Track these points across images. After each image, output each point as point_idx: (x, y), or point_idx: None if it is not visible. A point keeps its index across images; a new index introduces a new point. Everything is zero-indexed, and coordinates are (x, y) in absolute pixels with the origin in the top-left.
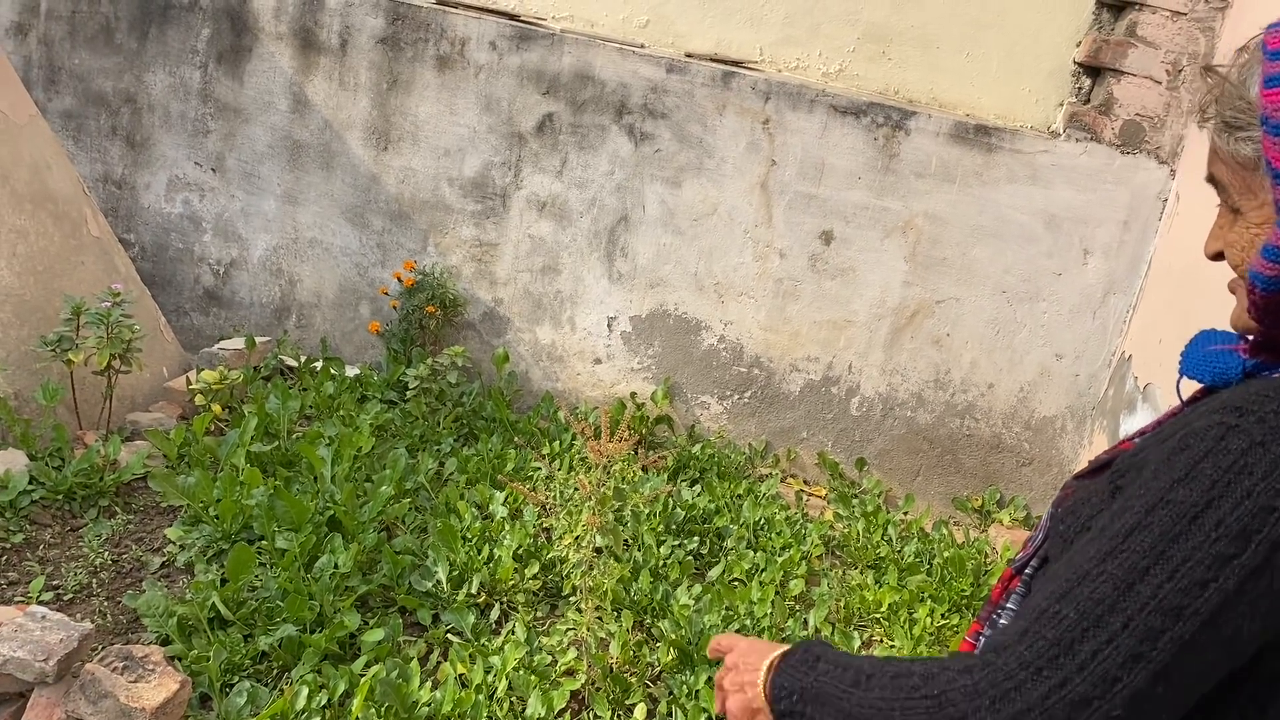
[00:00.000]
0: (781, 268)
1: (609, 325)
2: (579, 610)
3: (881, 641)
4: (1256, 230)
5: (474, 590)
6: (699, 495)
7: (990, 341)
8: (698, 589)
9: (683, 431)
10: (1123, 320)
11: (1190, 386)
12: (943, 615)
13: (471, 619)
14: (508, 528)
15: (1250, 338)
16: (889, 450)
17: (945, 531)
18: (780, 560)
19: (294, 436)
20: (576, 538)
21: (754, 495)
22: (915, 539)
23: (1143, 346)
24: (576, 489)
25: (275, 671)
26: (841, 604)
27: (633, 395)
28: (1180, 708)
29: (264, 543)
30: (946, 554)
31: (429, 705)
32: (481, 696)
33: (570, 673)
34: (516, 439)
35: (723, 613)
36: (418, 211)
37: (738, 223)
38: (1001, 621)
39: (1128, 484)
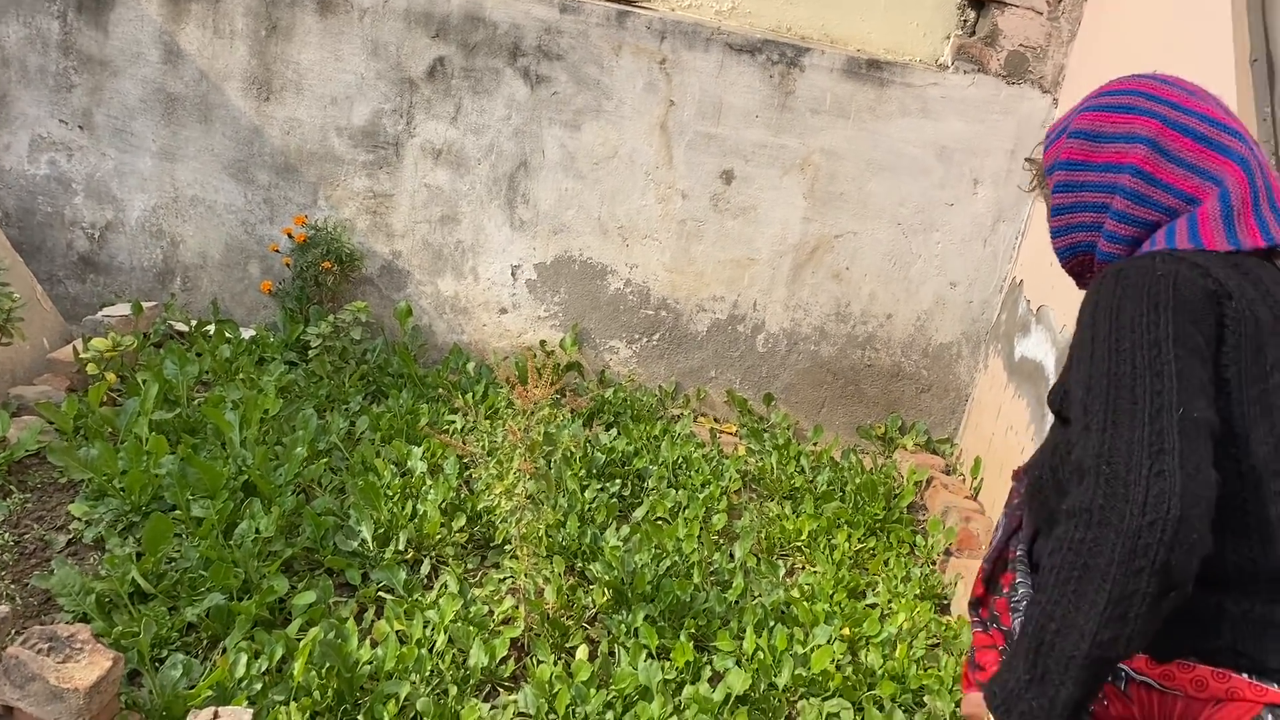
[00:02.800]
0: (684, 209)
1: (513, 274)
2: (515, 558)
3: (804, 568)
4: None
5: (401, 547)
6: (616, 439)
7: (888, 273)
8: (625, 530)
9: (593, 377)
10: (1012, 246)
11: None
12: (859, 539)
13: (402, 575)
14: (429, 482)
15: None
16: (794, 384)
17: (854, 459)
18: (701, 497)
19: (195, 403)
20: (508, 486)
21: (670, 436)
22: (826, 468)
23: (1033, 271)
24: (505, 436)
25: (205, 642)
26: (763, 535)
27: (542, 344)
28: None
29: (178, 512)
30: (858, 481)
31: (370, 663)
32: (424, 651)
33: (508, 621)
34: (427, 394)
35: (652, 551)
36: (306, 164)
37: (639, 165)
38: (1021, 604)
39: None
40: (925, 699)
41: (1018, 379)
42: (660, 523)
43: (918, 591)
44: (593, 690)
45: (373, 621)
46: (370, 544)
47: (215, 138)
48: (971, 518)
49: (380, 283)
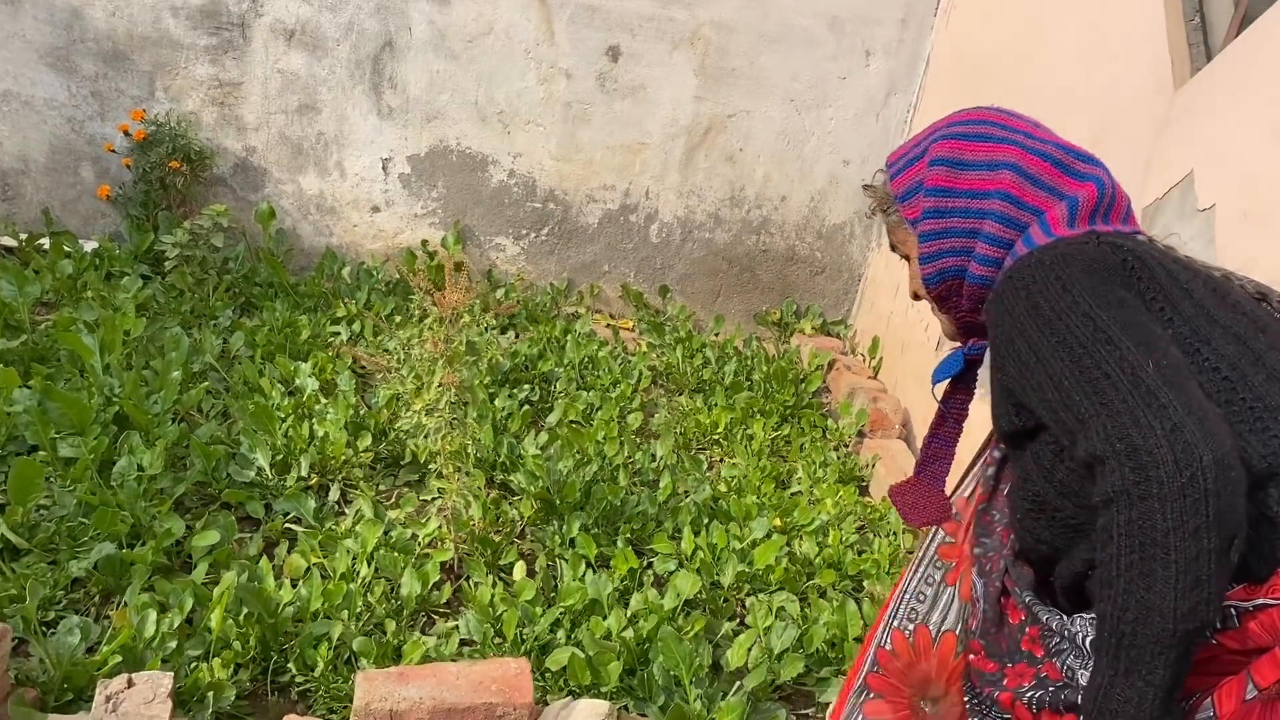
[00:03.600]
0: (569, 90)
1: (384, 168)
2: (440, 476)
3: (724, 461)
4: (917, 261)
5: (304, 473)
6: (517, 341)
7: (781, 153)
8: (543, 437)
9: (480, 277)
10: (904, 120)
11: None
12: (774, 428)
13: (311, 504)
14: (324, 400)
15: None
16: (690, 274)
17: (756, 347)
18: (613, 397)
19: (40, 327)
20: (429, 402)
21: (573, 336)
22: (732, 359)
23: None
24: (416, 347)
25: (97, 599)
26: (679, 430)
27: (423, 244)
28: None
29: (42, 454)
30: (766, 369)
31: (294, 604)
32: (350, 585)
33: (435, 544)
34: (303, 304)
35: (574, 458)
36: (138, 50)
37: (517, 42)
38: (1064, 640)
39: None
40: (864, 583)
41: None
42: (575, 426)
43: (837, 476)
44: (539, 609)
45: (284, 558)
46: (268, 472)
47: (25, 21)
48: (878, 398)
49: (235, 183)
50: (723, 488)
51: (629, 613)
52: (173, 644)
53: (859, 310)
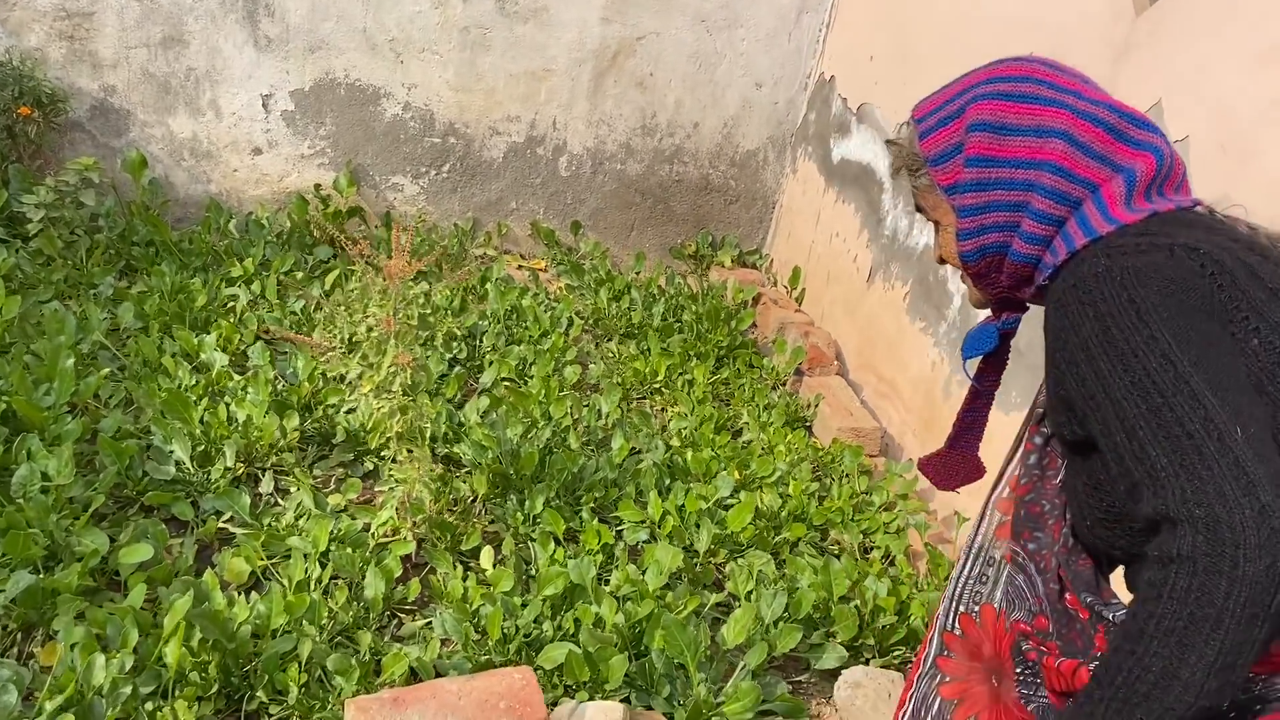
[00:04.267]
0: (466, 14)
1: (264, 105)
2: (395, 463)
3: (665, 410)
4: (950, 231)
5: (231, 463)
6: (431, 293)
7: (693, 77)
8: (484, 401)
9: (377, 221)
10: (817, 40)
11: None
12: (712, 371)
13: (245, 499)
14: (237, 377)
15: (990, 310)
16: (602, 209)
17: (681, 285)
18: (546, 350)
19: None
20: (381, 383)
21: (492, 284)
22: (660, 299)
23: (850, 66)
24: (356, 318)
25: (17, 636)
26: (618, 382)
27: (316, 187)
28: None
29: None
30: (697, 309)
31: (251, 622)
32: (314, 594)
33: (392, 535)
34: (190, 264)
35: (521, 423)
36: None
37: None
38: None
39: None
40: (830, 533)
41: (840, 182)
42: (511, 386)
43: (784, 419)
44: (517, 599)
45: (226, 565)
46: (189, 465)
47: None
48: (810, 332)
49: (94, 128)
50: (675, 441)
51: (614, 593)
52: (127, 689)
53: (774, 239)
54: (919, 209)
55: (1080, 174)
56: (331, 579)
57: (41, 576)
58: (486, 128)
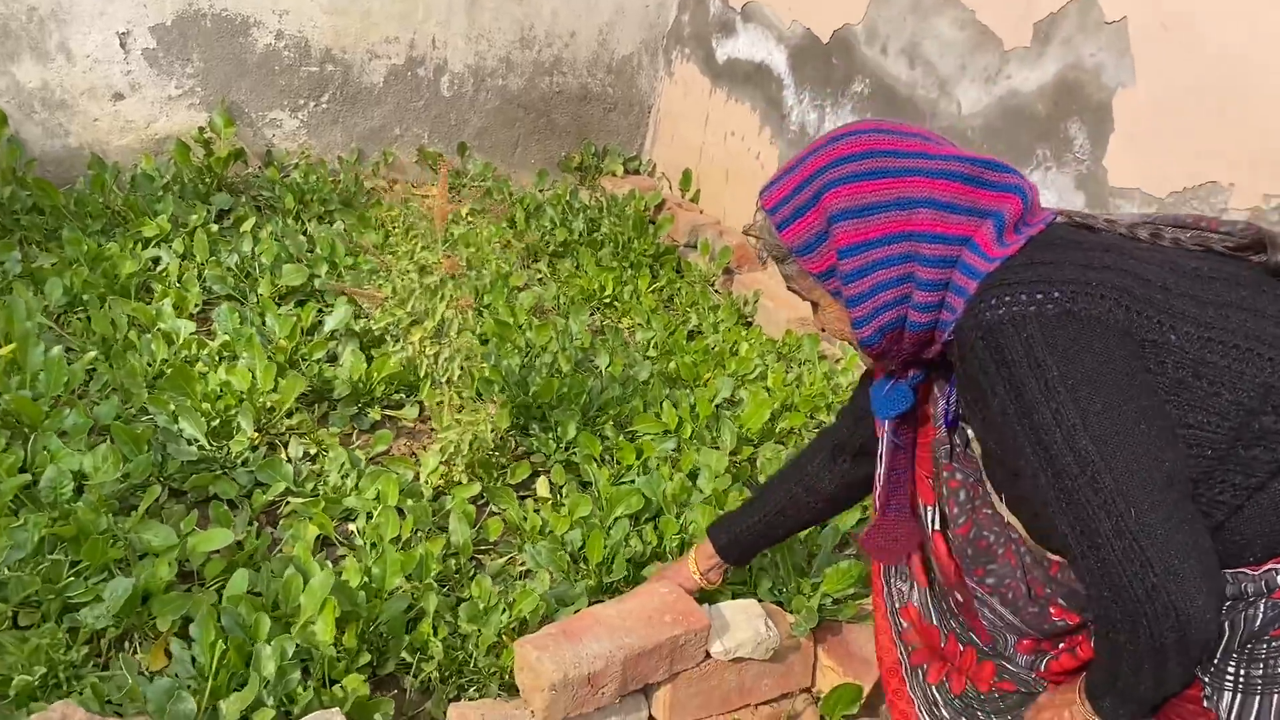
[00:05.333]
0: None
1: (122, 44)
2: (459, 409)
3: (620, 323)
4: (837, 310)
5: (251, 434)
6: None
7: None
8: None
9: (256, 162)
10: None
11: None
12: (651, 282)
13: (288, 468)
14: (210, 344)
15: (892, 369)
16: (487, 127)
17: (595, 199)
18: (493, 285)
19: None
20: (428, 332)
21: (407, 214)
22: (579, 214)
23: None
24: (402, 262)
25: (112, 642)
26: (569, 300)
27: (200, 130)
28: (1189, 489)
29: None
30: (614, 221)
31: (365, 587)
32: (421, 549)
33: (452, 484)
34: (88, 227)
35: (517, 353)
36: None
37: None
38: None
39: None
40: (817, 416)
41: (729, 83)
42: (482, 316)
43: (734, 318)
44: (597, 523)
45: (302, 537)
46: (205, 443)
47: None
48: (724, 232)
49: None
50: (653, 352)
51: (678, 501)
52: (294, 675)
53: (654, 144)
54: (793, 290)
55: (954, 233)
56: (413, 531)
57: (138, 581)
58: (365, 51)
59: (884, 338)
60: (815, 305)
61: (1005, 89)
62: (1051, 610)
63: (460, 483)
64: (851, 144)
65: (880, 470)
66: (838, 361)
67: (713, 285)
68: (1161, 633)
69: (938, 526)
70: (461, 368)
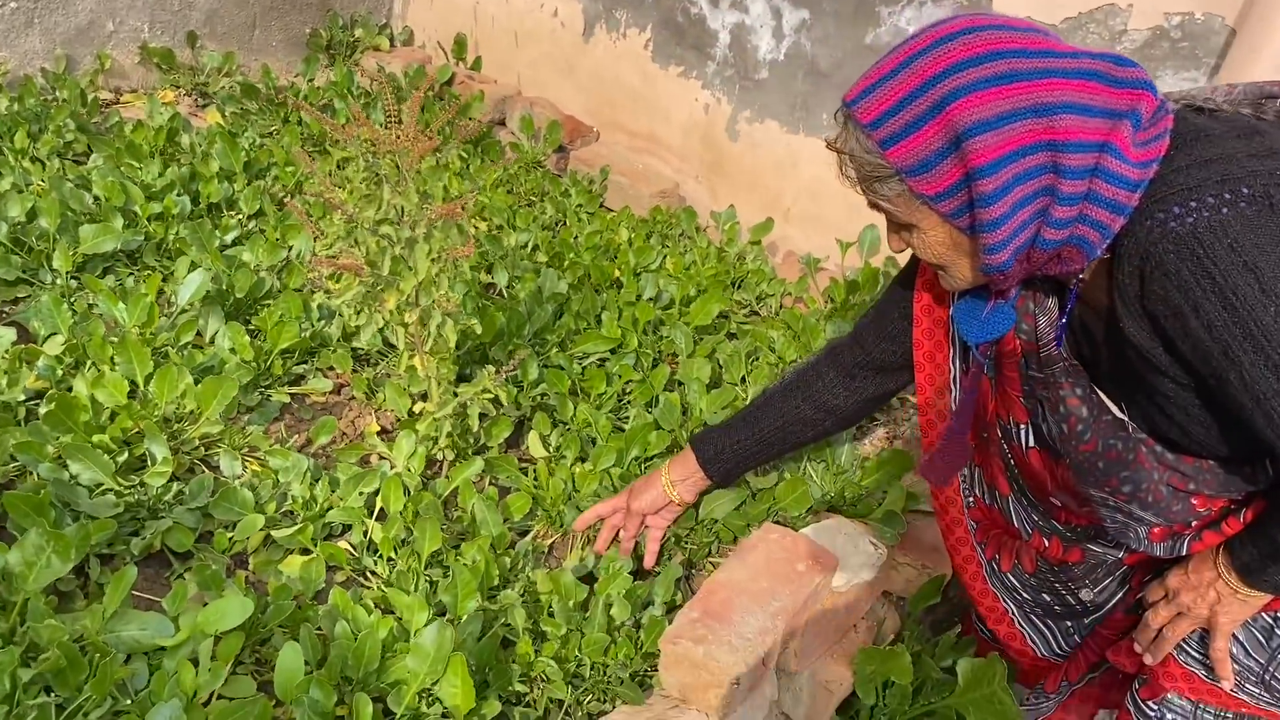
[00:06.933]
0: None
1: None
2: (427, 379)
3: (480, 227)
4: (941, 234)
5: (165, 459)
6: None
7: None
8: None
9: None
10: None
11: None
12: (482, 169)
13: (245, 495)
14: (42, 352)
15: (990, 287)
16: (217, 10)
17: (375, 86)
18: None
19: None
20: (407, 295)
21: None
22: (359, 99)
23: None
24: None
25: None
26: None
27: None
28: None
29: None
30: (405, 100)
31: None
32: (468, 557)
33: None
34: None
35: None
36: None
37: None
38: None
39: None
40: (785, 302)
41: None
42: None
43: (595, 202)
44: (618, 471)
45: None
46: (117, 486)
47: None
48: (536, 103)
49: None
50: (541, 257)
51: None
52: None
53: (405, 7)
54: (874, 206)
55: (1092, 139)
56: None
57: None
58: None
59: (1016, 261)
60: (908, 228)
61: None
62: (1194, 501)
63: (444, 461)
64: (969, 44)
65: (955, 394)
66: (711, 233)
67: (541, 166)
68: None
69: (1032, 443)
70: (440, 332)
